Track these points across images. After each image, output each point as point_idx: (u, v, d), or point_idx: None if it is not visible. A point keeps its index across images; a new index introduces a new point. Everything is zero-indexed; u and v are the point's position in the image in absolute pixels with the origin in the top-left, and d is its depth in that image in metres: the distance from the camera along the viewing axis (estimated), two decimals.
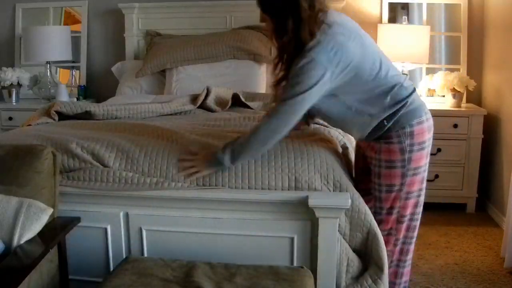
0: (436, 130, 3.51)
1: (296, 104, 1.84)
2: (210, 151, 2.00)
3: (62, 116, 2.66)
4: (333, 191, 1.98)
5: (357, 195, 1.98)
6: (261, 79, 3.63)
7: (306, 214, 1.93)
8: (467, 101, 3.82)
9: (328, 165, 2.02)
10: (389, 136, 1.96)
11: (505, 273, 2.74)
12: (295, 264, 1.99)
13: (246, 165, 2.02)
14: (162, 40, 3.93)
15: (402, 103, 1.93)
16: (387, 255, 1.99)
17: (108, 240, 2.08)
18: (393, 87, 1.93)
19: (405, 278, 2.16)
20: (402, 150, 1.95)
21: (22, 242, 1.71)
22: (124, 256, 2.04)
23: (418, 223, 2.13)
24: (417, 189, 2.03)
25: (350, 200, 1.90)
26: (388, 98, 1.92)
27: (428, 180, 3.53)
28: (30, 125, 2.58)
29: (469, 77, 3.69)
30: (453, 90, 3.64)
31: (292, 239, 1.98)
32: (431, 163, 3.53)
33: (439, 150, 3.59)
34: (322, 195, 1.94)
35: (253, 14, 3.96)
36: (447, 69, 3.86)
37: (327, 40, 1.80)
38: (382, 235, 1.99)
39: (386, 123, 1.94)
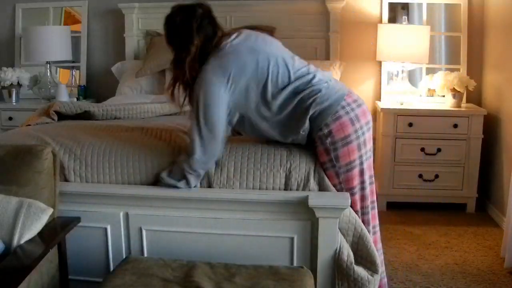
0: (436, 130, 3.56)
1: (206, 122, 1.91)
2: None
3: (62, 116, 2.66)
4: (320, 190, 1.99)
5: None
6: None
7: (306, 214, 1.93)
8: (467, 101, 3.82)
9: (319, 164, 2.03)
10: (314, 141, 2.01)
11: (505, 273, 2.74)
12: (295, 264, 1.99)
13: (239, 163, 2.03)
14: (162, 40, 3.92)
15: (308, 111, 1.95)
16: None
17: (108, 240, 2.08)
18: (296, 96, 1.96)
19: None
20: (327, 150, 1.98)
21: (22, 242, 1.71)
22: (124, 256, 2.04)
23: (370, 213, 2.09)
24: (358, 183, 2.03)
25: (349, 200, 1.90)
26: (292, 108, 1.96)
27: (428, 180, 3.60)
28: (29, 125, 2.58)
29: (469, 77, 3.68)
30: (453, 90, 3.64)
31: (292, 239, 1.98)
32: (431, 163, 3.59)
33: (439, 150, 3.59)
34: (322, 195, 1.94)
35: (253, 14, 3.98)
36: (447, 69, 3.86)
37: (216, 62, 1.94)
38: None
39: (301, 132, 1.99)
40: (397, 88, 3.80)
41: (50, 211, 1.83)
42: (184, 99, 2.03)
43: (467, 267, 2.81)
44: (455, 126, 3.56)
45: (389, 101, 3.82)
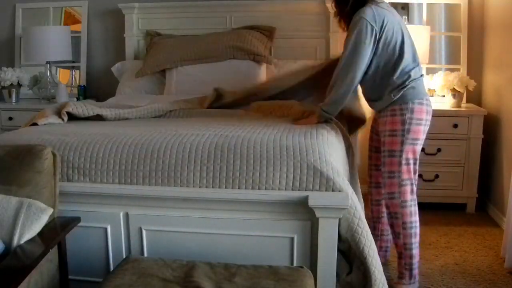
0: (436, 130, 3.56)
1: (355, 54, 2.34)
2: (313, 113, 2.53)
3: (71, 117, 2.66)
4: (331, 190, 1.98)
5: (351, 192, 1.98)
6: (261, 79, 3.63)
7: (306, 214, 1.93)
8: (467, 101, 3.82)
9: (327, 165, 2.02)
10: (393, 110, 2.42)
11: (505, 273, 2.74)
12: (295, 264, 1.99)
13: (245, 165, 2.02)
14: (162, 40, 3.93)
15: (408, 81, 2.38)
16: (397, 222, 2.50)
17: (108, 240, 2.09)
18: (406, 68, 2.39)
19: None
20: (403, 121, 2.40)
21: (22, 242, 1.71)
22: (124, 256, 2.04)
23: (415, 188, 2.51)
24: (413, 157, 2.45)
25: (350, 200, 1.90)
26: (398, 73, 2.39)
27: (428, 180, 3.60)
28: (35, 123, 2.57)
29: (469, 77, 3.68)
30: (453, 90, 3.64)
31: (292, 239, 1.98)
32: (431, 163, 3.60)
33: (439, 150, 3.59)
34: (322, 195, 1.94)
35: (253, 14, 3.99)
36: (447, 69, 3.86)
37: (373, 8, 2.35)
38: (386, 200, 2.50)
39: (393, 96, 2.39)
40: None
41: (50, 211, 1.83)
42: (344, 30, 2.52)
43: (467, 267, 2.81)
44: (455, 126, 3.56)
45: None
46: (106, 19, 4.28)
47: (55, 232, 1.84)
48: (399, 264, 2.57)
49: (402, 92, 2.38)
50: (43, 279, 1.80)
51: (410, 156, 2.43)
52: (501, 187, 3.44)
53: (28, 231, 1.73)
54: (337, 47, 3.89)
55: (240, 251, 2.00)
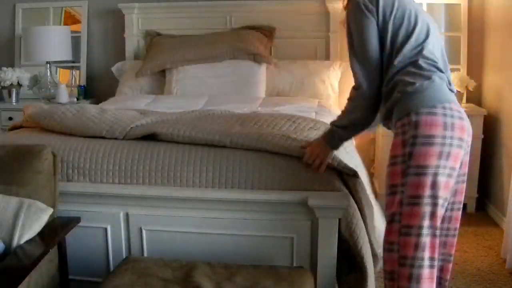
0: None
1: (358, 53, 1.91)
2: (317, 141, 2.00)
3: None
4: (331, 190, 1.98)
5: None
6: (261, 79, 3.63)
7: (306, 214, 1.93)
8: (467, 101, 3.81)
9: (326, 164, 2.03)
10: (395, 126, 1.76)
11: (505, 273, 2.74)
12: (295, 264, 1.99)
13: (244, 165, 2.03)
14: (162, 40, 3.94)
15: (406, 87, 1.72)
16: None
17: (108, 240, 2.09)
18: (409, 64, 1.78)
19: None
20: (404, 142, 1.69)
21: (22, 242, 1.71)
22: (124, 256, 2.04)
23: (448, 239, 1.80)
24: (426, 194, 1.64)
25: (350, 201, 1.90)
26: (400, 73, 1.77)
27: None
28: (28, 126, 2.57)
29: (469, 77, 3.68)
30: None
31: (292, 239, 1.98)
32: None
33: None
34: (322, 195, 1.94)
35: (253, 14, 3.99)
36: None
37: None
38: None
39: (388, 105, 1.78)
40: None
41: (50, 211, 1.83)
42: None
43: (467, 267, 2.81)
44: None
45: None
46: (106, 19, 4.28)
47: (55, 232, 1.84)
48: None
49: (396, 99, 1.76)
50: (43, 279, 1.80)
51: (419, 192, 1.64)
52: (501, 187, 3.44)
53: (28, 231, 1.73)
54: (337, 47, 3.89)
55: (240, 251, 2.00)
